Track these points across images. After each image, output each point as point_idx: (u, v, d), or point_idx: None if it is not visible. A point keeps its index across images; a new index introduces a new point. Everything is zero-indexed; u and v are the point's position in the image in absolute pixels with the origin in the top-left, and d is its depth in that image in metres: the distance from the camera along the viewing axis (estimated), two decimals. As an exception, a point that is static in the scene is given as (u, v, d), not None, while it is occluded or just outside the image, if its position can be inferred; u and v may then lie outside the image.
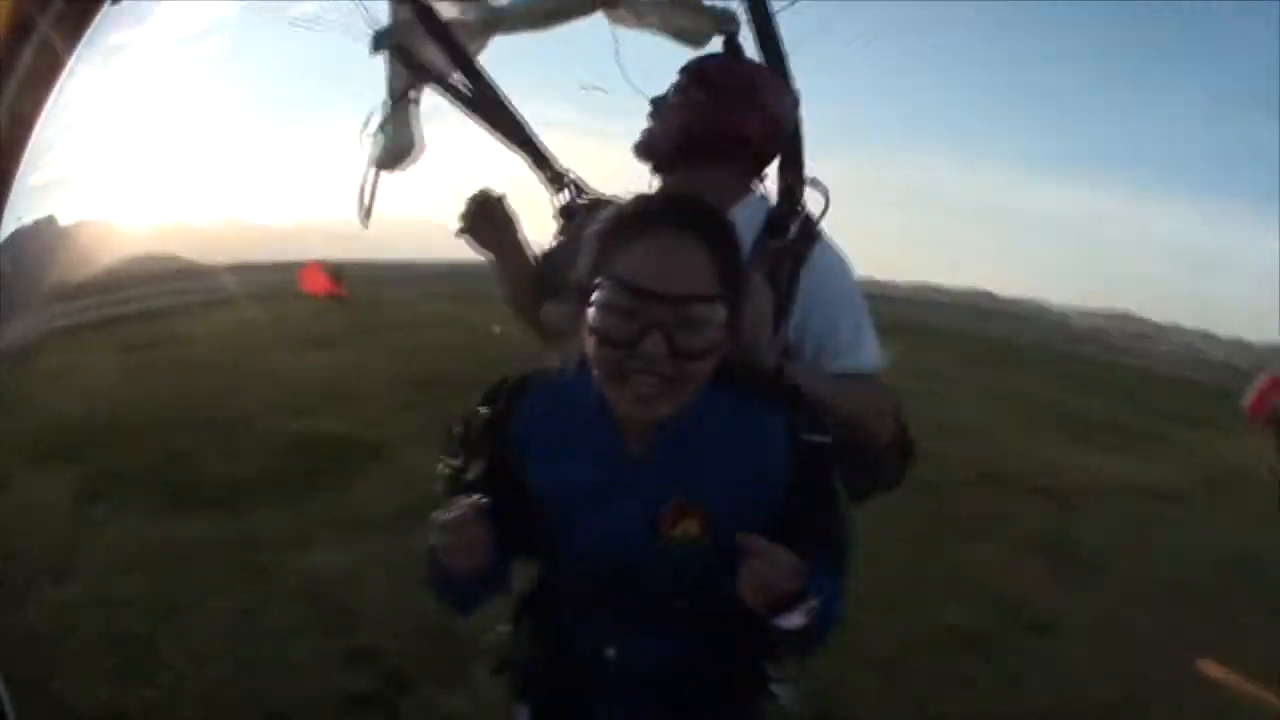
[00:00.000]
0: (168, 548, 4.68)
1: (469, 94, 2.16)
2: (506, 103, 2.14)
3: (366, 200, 2.26)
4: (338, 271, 16.15)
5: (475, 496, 1.33)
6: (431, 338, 12.23)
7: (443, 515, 1.32)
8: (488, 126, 2.15)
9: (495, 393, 1.47)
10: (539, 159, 2.11)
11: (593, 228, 1.35)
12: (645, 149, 1.96)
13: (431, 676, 3.48)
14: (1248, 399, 13.05)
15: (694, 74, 1.92)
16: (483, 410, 1.46)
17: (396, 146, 2.28)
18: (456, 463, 1.49)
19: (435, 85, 2.21)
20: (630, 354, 1.24)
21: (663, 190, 1.53)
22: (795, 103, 1.92)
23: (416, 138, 2.30)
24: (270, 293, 15.69)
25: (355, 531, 5.01)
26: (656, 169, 1.95)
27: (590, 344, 1.29)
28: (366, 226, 2.27)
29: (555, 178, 2.09)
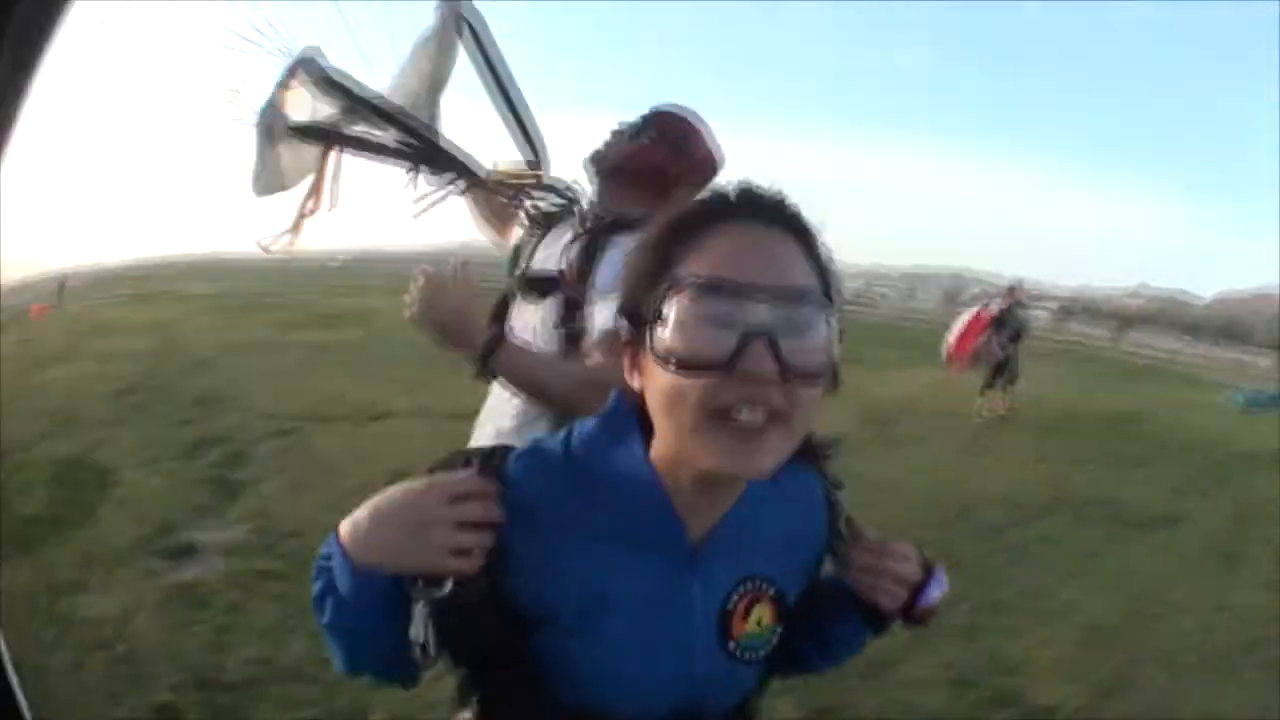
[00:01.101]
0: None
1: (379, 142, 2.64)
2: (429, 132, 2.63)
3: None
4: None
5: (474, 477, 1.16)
6: (124, 345, 12.43)
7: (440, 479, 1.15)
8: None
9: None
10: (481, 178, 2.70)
11: (645, 236, 1.18)
12: (595, 163, 2.52)
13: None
14: (949, 341, 14.25)
15: (654, 113, 2.52)
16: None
17: (268, 178, 2.62)
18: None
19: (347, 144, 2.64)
20: (725, 377, 1.02)
21: (736, 184, 1.20)
22: (720, 162, 2.56)
23: (284, 175, 2.64)
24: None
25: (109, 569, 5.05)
26: (596, 175, 2.53)
27: (659, 383, 1.08)
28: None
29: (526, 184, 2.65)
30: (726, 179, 1.20)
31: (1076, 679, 4.90)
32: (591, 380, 2.06)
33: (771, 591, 1.25)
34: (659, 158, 2.46)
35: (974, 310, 15.28)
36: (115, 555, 5.20)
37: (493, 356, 2.14)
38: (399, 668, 1.20)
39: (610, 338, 2.03)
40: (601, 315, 2.18)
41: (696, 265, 1.07)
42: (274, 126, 2.58)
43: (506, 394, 2.32)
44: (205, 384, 10.25)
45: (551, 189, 2.68)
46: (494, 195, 2.80)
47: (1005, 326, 14.64)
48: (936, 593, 1.32)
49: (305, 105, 2.59)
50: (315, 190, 2.70)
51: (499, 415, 2.39)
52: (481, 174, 2.72)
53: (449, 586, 1.11)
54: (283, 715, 3.67)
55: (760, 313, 1.02)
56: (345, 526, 1.16)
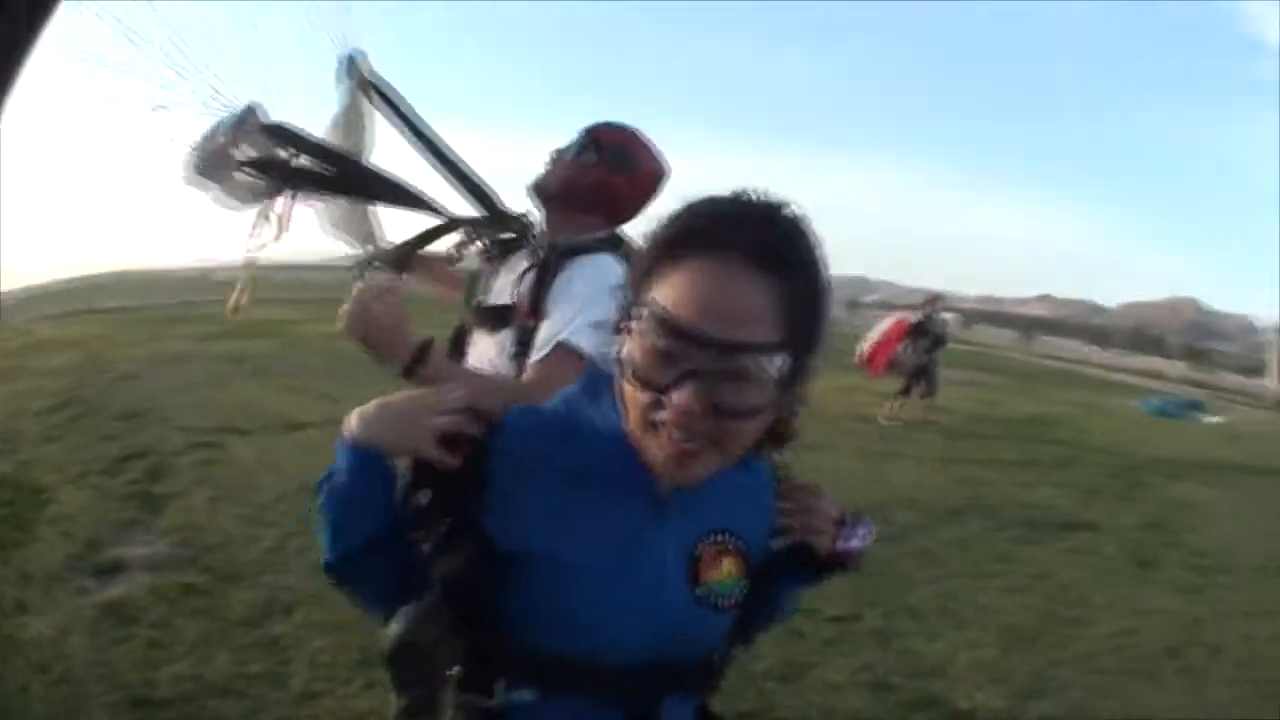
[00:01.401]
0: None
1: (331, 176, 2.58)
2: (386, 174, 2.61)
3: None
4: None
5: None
6: (55, 362, 12.30)
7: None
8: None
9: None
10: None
11: (648, 237, 1.25)
12: (538, 190, 2.56)
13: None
14: (864, 346, 14.49)
15: (589, 134, 2.53)
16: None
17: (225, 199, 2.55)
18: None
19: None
20: (660, 403, 1.14)
21: (733, 197, 1.23)
22: (665, 174, 2.61)
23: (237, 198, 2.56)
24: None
25: (46, 589, 4.97)
26: (542, 206, 2.58)
27: (623, 377, 1.19)
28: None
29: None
30: (743, 186, 1.22)
31: (996, 681, 4.89)
32: (517, 394, 2.09)
33: (739, 544, 1.35)
34: (603, 176, 2.50)
35: (894, 318, 15.48)
36: (50, 575, 5.11)
37: (420, 365, 2.16)
38: (380, 552, 1.32)
39: (560, 355, 2.24)
40: (547, 330, 2.30)
41: (663, 290, 1.15)
42: (218, 169, 2.52)
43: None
44: (128, 398, 10.12)
45: (506, 224, 2.71)
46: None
47: (925, 335, 14.82)
48: (862, 533, 1.47)
49: (255, 150, 2.55)
50: (264, 219, 2.64)
51: None
52: (443, 211, 2.72)
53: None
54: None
55: (699, 358, 1.11)
56: (353, 414, 1.31)
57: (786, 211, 1.20)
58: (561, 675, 1.27)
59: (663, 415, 1.15)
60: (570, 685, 1.27)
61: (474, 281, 2.71)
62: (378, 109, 2.70)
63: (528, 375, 2.29)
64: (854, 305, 60.28)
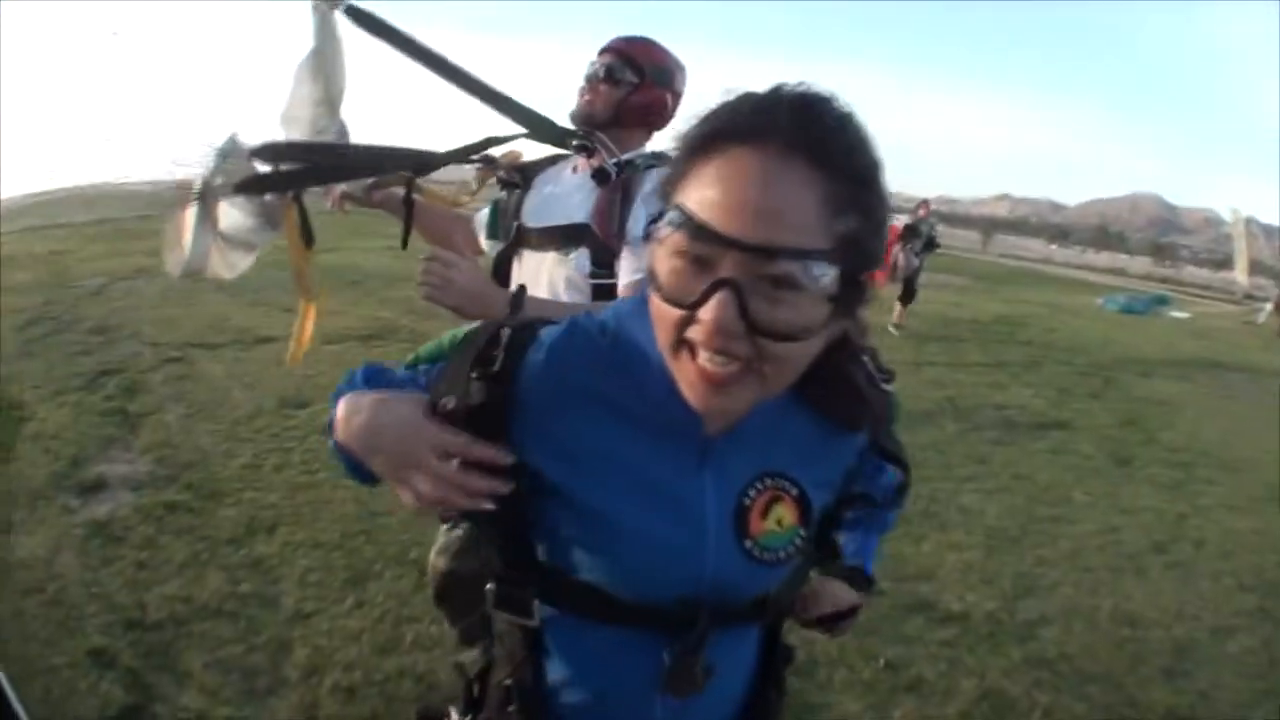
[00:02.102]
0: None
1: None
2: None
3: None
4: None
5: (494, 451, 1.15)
6: (25, 277, 12.15)
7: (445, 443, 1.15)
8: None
9: (486, 347, 1.19)
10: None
11: (678, 134, 1.11)
12: (586, 119, 2.64)
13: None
14: None
15: (620, 54, 2.63)
16: (472, 374, 1.18)
17: (193, 259, 2.81)
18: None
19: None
20: (693, 316, 1.01)
21: (771, 88, 1.09)
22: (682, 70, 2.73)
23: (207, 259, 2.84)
24: None
25: (32, 508, 5.00)
26: (588, 132, 2.63)
27: (652, 297, 1.07)
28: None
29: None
30: (797, 84, 1.08)
31: (985, 582, 5.03)
32: None
33: (794, 492, 1.24)
34: (650, 94, 2.65)
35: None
36: (35, 493, 5.13)
37: (519, 314, 2.17)
38: None
39: (636, 287, 2.23)
40: (629, 263, 2.41)
41: (690, 192, 1.02)
42: (214, 199, 2.73)
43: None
44: (99, 313, 10.03)
45: (568, 138, 2.72)
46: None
47: (917, 236, 14.85)
48: (849, 623, 1.57)
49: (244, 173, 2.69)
50: (292, 243, 2.89)
51: None
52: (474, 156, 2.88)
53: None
54: (209, 654, 3.70)
55: (734, 263, 0.98)
56: (341, 411, 1.23)
57: (835, 103, 1.04)
58: (597, 606, 1.21)
59: (693, 334, 1.02)
60: (607, 616, 1.22)
61: (498, 212, 2.84)
62: (388, 42, 2.71)
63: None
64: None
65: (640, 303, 1.16)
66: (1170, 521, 6.53)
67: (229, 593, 4.15)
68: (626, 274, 2.40)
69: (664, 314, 1.04)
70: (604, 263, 2.45)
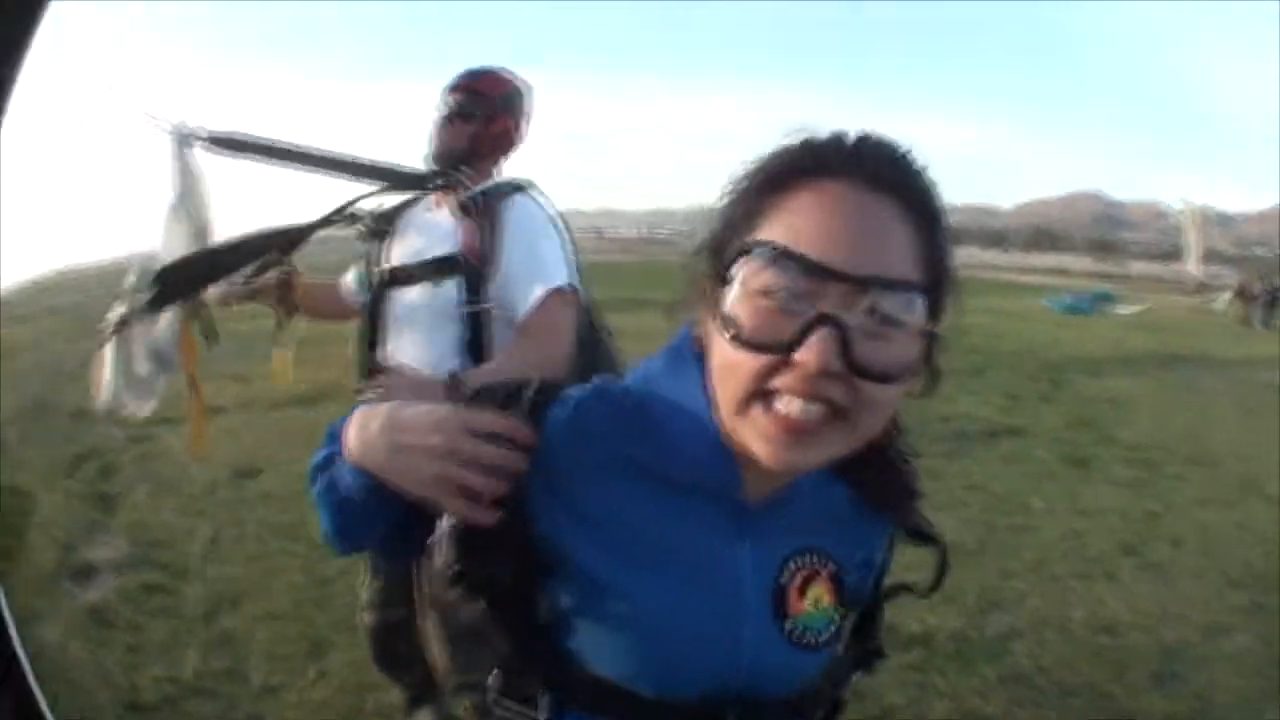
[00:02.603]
0: None
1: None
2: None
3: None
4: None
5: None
6: (18, 365, 12.53)
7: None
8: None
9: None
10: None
11: (737, 177, 1.04)
12: (446, 157, 2.83)
13: None
14: None
15: (468, 90, 2.85)
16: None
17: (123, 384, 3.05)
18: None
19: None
20: (783, 361, 0.93)
21: (846, 132, 1.04)
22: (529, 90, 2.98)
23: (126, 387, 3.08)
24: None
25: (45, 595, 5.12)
26: (443, 170, 2.83)
27: (718, 347, 1.00)
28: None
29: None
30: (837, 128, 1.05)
31: (948, 600, 4.88)
32: (553, 357, 2.54)
33: (830, 569, 1.17)
34: (501, 124, 2.89)
35: None
36: (45, 579, 5.30)
37: (458, 396, 2.33)
38: (394, 549, 1.20)
39: (556, 298, 2.61)
40: (522, 276, 2.64)
41: (774, 228, 0.97)
42: (126, 335, 2.99)
43: None
44: (75, 397, 10.10)
45: (434, 179, 2.92)
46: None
47: None
48: None
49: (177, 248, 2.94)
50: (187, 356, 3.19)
51: None
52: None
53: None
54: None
55: (833, 298, 0.92)
56: (355, 424, 1.12)
57: (897, 143, 1.02)
58: (616, 704, 1.13)
59: (781, 382, 0.95)
60: (627, 715, 1.13)
61: (366, 260, 3.01)
62: (246, 157, 2.98)
63: (532, 328, 2.62)
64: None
65: (669, 362, 1.13)
66: (1139, 521, 6.51)
67: (206, 670, 4.24)
68: (520, 303, 2.62)
69: (740, 364, 0.96)
70: (475, 290, 2.66)
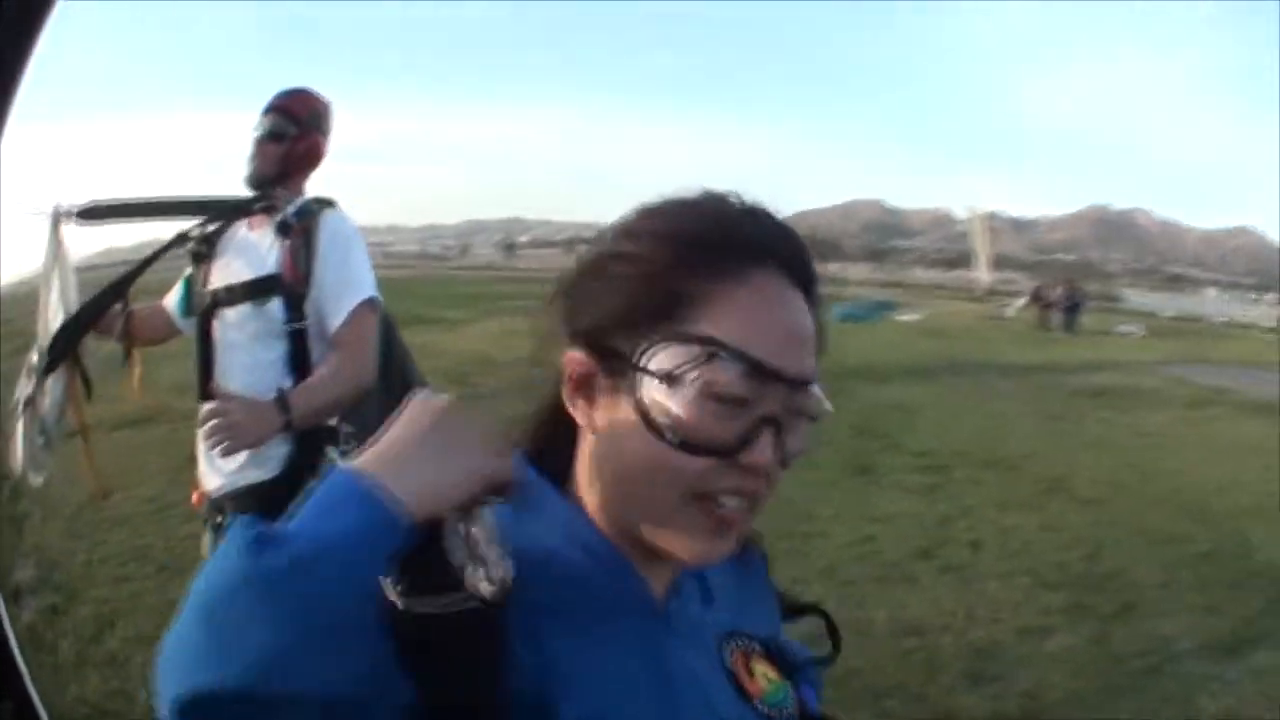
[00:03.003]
0: None
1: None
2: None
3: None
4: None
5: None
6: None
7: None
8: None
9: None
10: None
11: (646, 247, 0.95)
12: (261, 180, 2.97)
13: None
14: None
15: (281, 111, 3.00)
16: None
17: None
18: None
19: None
20: (727, 464, 0.89)
21: (744, 204, 0.99)
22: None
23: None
24: None
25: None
26: (262, 194, 2.97)
27: (636, 449, 0.92)
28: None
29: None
30: (731, 193, 1.01)
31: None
32: (366, 367, 2.80)
33: (757, 647, 1.10)
34: (310, 142, 3.03)
35: None
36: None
37: (290, 416, 2.66)
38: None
39: (366, 308, 2.82)
40: (333, 290, 2.80)
41: (720, 322, 0.91)
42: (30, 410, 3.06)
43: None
44: None
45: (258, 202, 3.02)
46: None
47: None
48: None
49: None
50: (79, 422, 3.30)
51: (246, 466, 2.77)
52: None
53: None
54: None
55: (773, 398, 0.91)
56: (366, 461, 0.88)
57: (786, 222, 1.01)
58: None
59: (727, 483, 0.91)
60: None
61: (189, 286, 3.13)
62: (112, 222, 3.15)
63: (343, 341, 2.80)
64: (510, 247, 62.46)
65: (526, 503, 0.98)
66: (933, 526, 6.68)
67: (106, 690, 4.36)
68: (333, 316, 2.79)
69: (680, 467, 0.90)
70: (297, 307, 2.78)
